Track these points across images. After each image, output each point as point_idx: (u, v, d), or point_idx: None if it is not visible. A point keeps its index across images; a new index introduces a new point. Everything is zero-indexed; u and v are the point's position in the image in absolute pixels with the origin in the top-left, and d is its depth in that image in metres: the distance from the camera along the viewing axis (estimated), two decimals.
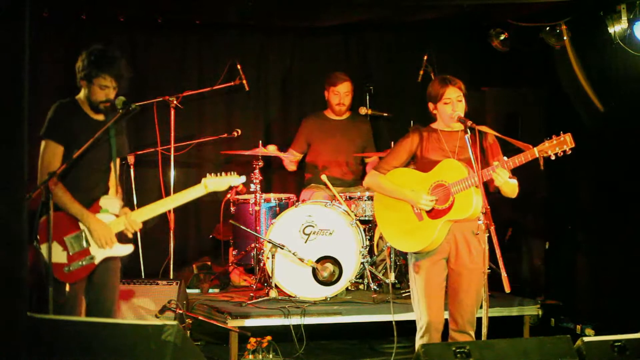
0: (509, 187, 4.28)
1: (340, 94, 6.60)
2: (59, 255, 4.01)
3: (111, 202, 4.19)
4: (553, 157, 4.09)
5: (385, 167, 4.53)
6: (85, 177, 4.14)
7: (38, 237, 3.92)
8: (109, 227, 4.13)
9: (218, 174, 4.37)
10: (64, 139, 4.07)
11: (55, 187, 3.91)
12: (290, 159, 6.67)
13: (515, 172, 4.31)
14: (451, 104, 4.38)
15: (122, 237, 4.19)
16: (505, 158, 4.24)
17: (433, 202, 4.34)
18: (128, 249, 4.23)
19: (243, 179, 4.44)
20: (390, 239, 4.62)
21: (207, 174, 4.38)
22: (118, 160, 4.31)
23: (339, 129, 6.68)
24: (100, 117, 4.18)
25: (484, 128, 4.41)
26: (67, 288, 4.00)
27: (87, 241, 4.10)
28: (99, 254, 4.12)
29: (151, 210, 4.29)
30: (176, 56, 7.05)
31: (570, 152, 4.06)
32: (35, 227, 3.88)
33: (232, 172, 4.40)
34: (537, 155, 4.10)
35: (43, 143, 4.09)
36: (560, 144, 4.06)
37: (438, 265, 4.38)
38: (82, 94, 4.17)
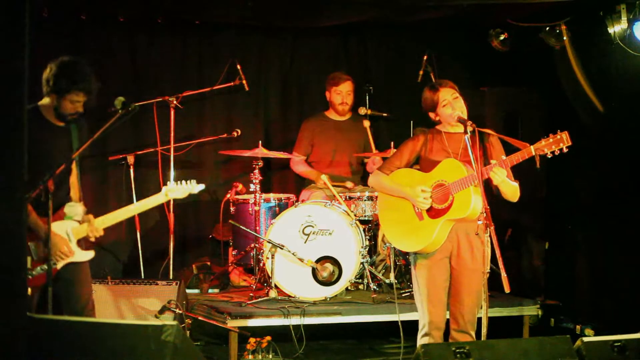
0: (509, 187, 4.28)
1: (343, 93, 6.61)
2: None
3: (74, 208, 4.25)
4: (550, 155, 4.09)
5: (388, 168, 4.54)
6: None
7: None
8: (64, 239, 4.19)
9: (179, 182, 4.63)
10: None
11: None
12: (297, 161, 6.67)
13: (515, 172, 4.31)
14: (449, 105, 4.39)
15: (84, 243, 4.26)
16: (503, 157, 4.24)
17: (430, 199, 4.34)
18: (89, 254, 4.32)
19: (202, 186, 4.64)
20: (392, 239, 4.64)
21: (168, 182, 4.65)
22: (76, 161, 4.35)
23: (340, 130, 6.68)
24: (62, 123, 4.20)
25: (484, 129, 4.42)
26: (29, 292, 4.01)
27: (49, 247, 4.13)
28: (60, 261, 4.20)
29: (114, 218, 4.40)
30: (176, 56, 7.04)
31: (567, 150, 4.05)
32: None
33: (191, 180, 4.66)
34: (534, 153, 4.10)
35: None
36: (557, 142, 4.06)
37: (440, 265, 4.39)
38: (47, 102, 4.18)
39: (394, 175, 4.52)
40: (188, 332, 5.18)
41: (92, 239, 4.28)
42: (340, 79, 6.59)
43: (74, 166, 4.31)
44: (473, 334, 4.40)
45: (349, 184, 6.49)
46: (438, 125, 4.53)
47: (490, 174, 4.19)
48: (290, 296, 5.72)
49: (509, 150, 4.40)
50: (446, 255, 4.39)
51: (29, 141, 3.99)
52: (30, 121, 4.05)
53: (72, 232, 4.23)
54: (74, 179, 4.34)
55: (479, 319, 4.21)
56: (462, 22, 6.79)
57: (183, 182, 4.60)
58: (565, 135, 4.06)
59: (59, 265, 4.17)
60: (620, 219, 5.85)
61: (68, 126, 4.19)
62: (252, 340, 4.99)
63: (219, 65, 6.84)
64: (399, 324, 5.10)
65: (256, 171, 6.06)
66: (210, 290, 6.33)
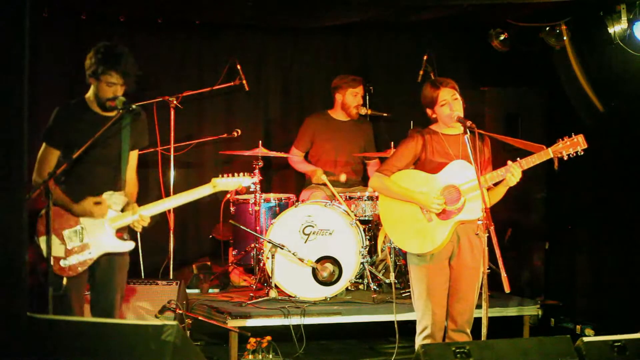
0: (503, 191, 4.30)
1: (359, 95, 6.63)
2: (56, 248, 4.01)
3: (114, 198, 4.17)
4: (566, 158, 4.15)
5: (389, 169, 4.46)
6: (89, 174, 4.14)
7: (38, 229, 3.96)
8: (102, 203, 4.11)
9: (229, 174, 4.38)
10: (61, 143, 4.11)
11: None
12: (296, 160, 6.67)
13: None
14: (448, 105, 4.36)
15: (122, 235, 4.19)
16: (518, 158, 4.21)
17: (443, 204, 4.31)
18: (128, 245, 4.21)
19: (254, 179, 4.46)
20: (398, 241, 4.58)
21: (220, 175, 4.38)
22: (135, 153, 4.30)
23: (342, 130, 6.68)
24: (111, 114, 4.16)
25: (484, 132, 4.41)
26: (64, 282, 3.99)
27: (85, 236, 4.10)
28: (96, 249, 4.12)
29: (160, 207, 4.28)
30: (176, 56, 7.05)
31: (582, 152, 4.11)
32: (35, 222, 3.89)
33: (244, 173, 4.43)
34: (552, 156, 4.13)
35: (42, 144, 4.15)
36: (573, 145, 4.14)
37: (441, 266, 4.37)
38: (91, 92, 4.17)
39: (397, 177, 4.43)
40: (188, 332, 5.18)
41: (139, 229, 4.18)
42: (356, 81, 6.60)
43: (130, 160, 4.26)
44: (469, 332, 4.40)
45: (343, 177, 6.47)
46: (433, 126, 4.49)
47: (506, 175, 4.18)
48: (290, 296, 5.72)
49: (508, 149, 4.39)
50: (447, 256, 4.37)
51: (69, 136, 4.04)
52: (74, 114, 4.12)
53: (109, 221, 4.13)
54: (130, 174, 4.28)
55: (479, 319, 4.21)
56: (462, 22, 6.80)
57: (235, 174, 4.39)
58: (581, 138, 4.15)
59: (95, 253, 4.11)
60: (620, 219, 5.85)
61: (119, 120, 4.13)
62: (252, 340, 4.99)
63: (219, 65, 6.84)
64: (395, 324, 5.10)
65: (256, 171, 6.06)
66: (210, 290, 6.33)
